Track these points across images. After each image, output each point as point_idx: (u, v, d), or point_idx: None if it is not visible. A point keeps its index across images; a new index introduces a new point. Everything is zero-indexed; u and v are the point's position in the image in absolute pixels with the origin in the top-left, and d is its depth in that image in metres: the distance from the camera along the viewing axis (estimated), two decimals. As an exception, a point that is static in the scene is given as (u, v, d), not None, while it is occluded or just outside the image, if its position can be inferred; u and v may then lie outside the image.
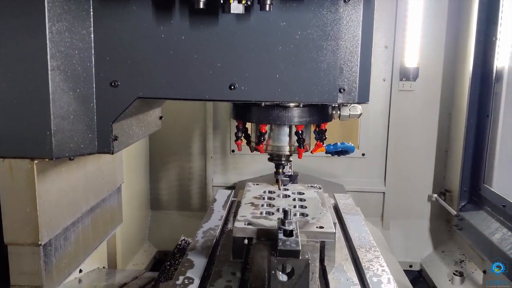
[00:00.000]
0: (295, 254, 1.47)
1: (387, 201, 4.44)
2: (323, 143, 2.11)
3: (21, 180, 1.78)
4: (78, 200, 2.18)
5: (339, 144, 2.25)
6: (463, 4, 3.99)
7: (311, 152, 2.15)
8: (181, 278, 1.77)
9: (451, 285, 3.73)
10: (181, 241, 2.78)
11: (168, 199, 4.63)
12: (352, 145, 2.26)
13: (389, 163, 4.39)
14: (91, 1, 1.52)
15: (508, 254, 2.76)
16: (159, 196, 4.63)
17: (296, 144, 2.03)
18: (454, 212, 3.78)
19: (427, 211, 4.49)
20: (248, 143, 2.19)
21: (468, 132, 3.51)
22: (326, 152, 2.28)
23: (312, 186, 2.36)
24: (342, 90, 1.62)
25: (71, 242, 2.16)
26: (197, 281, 1.75)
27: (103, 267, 3.28)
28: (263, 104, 1.91)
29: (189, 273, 1.80)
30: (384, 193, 4.43)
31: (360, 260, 1.96)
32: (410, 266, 4.32)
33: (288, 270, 1.48)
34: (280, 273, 1.47)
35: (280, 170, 2.21)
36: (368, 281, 1.78)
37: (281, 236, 1.56)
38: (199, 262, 1.90)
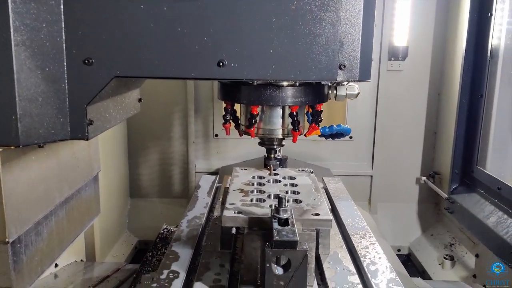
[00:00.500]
0: (292, 245, 1.34)
1: (374, 184, 4.36)
2: (318, 126, 1.95)
3: (-16, 171, 1.58)
4: (51, 191, 1.98)
5: (335, 126, 2.09)
6: (454, -21, 3.85)
7: (305, 135, 1.99)
8: (165, 272, 1.62)
9: (441, 269, 3.67)
10: (163, 230, 2.64)
11: (148, 186, 4.44)
12: (349, 127, 2.11)
13: (377, 146, 4.29)
14: (59, -35, 1.34)
15: (504, 238, 2.69)
16: (139, 183, 4.43)
17: (290, 126, 1.86)
18: (445, 195, 3.70)
19: (415, 194, 4.43)
20: (237, 126, 2.02)
21: (460, 113, 3.41)
22: (321, 136, 2.12)
23: (303, 170, 2.21)
24: (342, 67, 1.47)
25: (44, 237, 1.96)
26: (183, 275, 1.62)
27: (81, 260, 3.10)
28: (254, 83, 1.74)
29: (174, 266, 1.66)
30: (371, 176, 4.35)
31: (356, 247, 1.86)
32: (399, 250, 4.27)
33: (284, 262, 1.36)
34: (276, 265, 1.36)
35: (272, 155, 2.05)
36: (366, 269, 1.68)
37: (276, 225, 1.42)
38: (184, 254, 1.76)
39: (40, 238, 1.95)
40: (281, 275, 1.35)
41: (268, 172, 2.12)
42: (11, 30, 1.29)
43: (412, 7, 4.00)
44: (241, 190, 1.88)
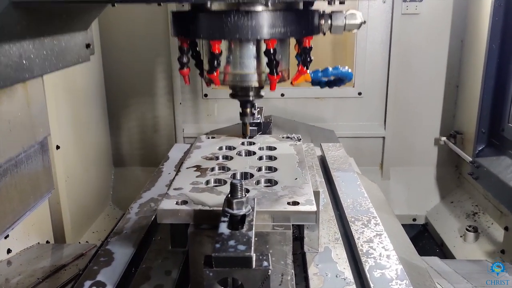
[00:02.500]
0: (243, 262, 0.88)
1: (387, 147, 3.94)
2: (307, 69, 1.46)
3: None
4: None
5: (330, 69, 1.59)
6: None
7: (292, 82, 1.51)
8: (87, 284, 1.15)
9: (463, 242, 3.23)
10: None
11: (133, 154, 4.04)
12: (350, 70, 1.60)
13: (390, 103, 3.84)
14: None
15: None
16: (123, 150, 4.03)
17: (267, 69, 1.37)
18: (468, 158, 3.23)
19: (434, 157, 4.01)
20: (201, 73, 1.53)
21: (489, 59, 2.87)
22: (313, 83, 1.63)
23: (288, 137, 1.72)
24: None
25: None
26: None
27: (47, 242, 2.71)
28: (211, 7, 1.24)
29: (101, 275, 1.18)
30: (384, 137, 3.93)
31: (356, 240, 1.37)
32: (414, 219, 3.91)
33: (234, 285, 0.90)
34: None
35: (248, 109, 1.58)
36: (368, 276, 1.18)
37: (223, 228, 0.96)
38: (121, 255, 1.29)
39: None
40: None
41: (241, 140, 1.64)
42: None
43: None
44: (198, 168, 1.41)
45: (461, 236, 3.30)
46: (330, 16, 1.44)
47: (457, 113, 3.83)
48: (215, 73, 1.38)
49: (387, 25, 3.66)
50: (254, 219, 0.99)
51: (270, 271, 0.87)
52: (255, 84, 1.44)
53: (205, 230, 1.09)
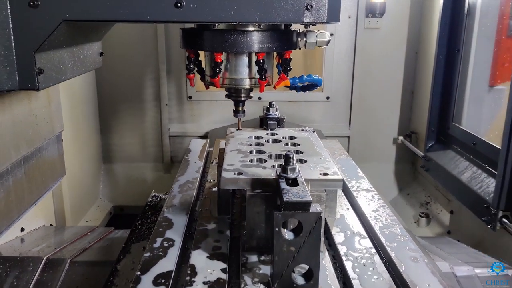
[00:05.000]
0: (304, 206, 1.19)
1: (352, 146, 4.34)
2: (287, 75, 1.86)
3: None
4: (5, 148, 1.86)
5: (305, 76, 2.00)
6: None
7: (275, 86, 1.90)
8: (158, 240, 1.49)
9: (417, 227, 3.70)
10: (152, 197, 2.49)
11: (122, 151, 4.34)
12: (320, 78, 2.01)
13: (354, 106, 4.25)
14: None
15: (478, 193, 2.68)
16: (112, 147, 4.32)
17: (257, 76, 1.77)
18: (420, 153, 3.69)
19: (393, 155, 4.44)
20: (203, 78, 1.91)
21: (437, 69, 3.35)
22: (291, 87, 2.03)
23: (303, 130, 2.09)
24: (309, 7, 1.40)
25: (0, 197, 1.86)
26: (178, 242, 1.50)
27: (50, 225, 3.01)
28: (216, 26, 1.63)
29: (168, 234, 1.54)
30: (349, 137, 4.33)
31: (363, 210, 1.76)
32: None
33: (294, 226, 1.23)
34: (285, 230, 1.22)
35: (240, 107, 1.96)
36: (379, 233, 1.57)
37: (284, 185, 1.27)
38: (178, 221, 1.64)
39: (-6, 198, 1.85)
40: (292, 240, 1.20)
41: (265, 132, 2.02)
42: None
43: (390, -40, 3.88)
44: (239, 151, 1.74)
45: (415, 222, 3.77)
46: (305, 34, 1.85)
47: (412, 116, 4.26)
48: (217, 78, 1.76)
49: (352, 38, 4.07)
50: (303, 180, 1.31)
51: (321, 214, 1.19)
52: (247, 86, 1.83)
53: (258, 193, 1.41)
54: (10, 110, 1.91)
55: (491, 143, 2.74)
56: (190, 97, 4.16)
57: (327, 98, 4.22)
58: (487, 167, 2.78)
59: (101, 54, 2.17)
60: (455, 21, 3.26)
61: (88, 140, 3.89)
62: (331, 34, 4.02)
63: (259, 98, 4.08)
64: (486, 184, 2.68)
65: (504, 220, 2.45)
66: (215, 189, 1.93)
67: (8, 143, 1.90)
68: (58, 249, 2.32)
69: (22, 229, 2.58)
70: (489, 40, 3.05)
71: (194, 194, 1.91)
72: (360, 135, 4.32)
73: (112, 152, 4.32)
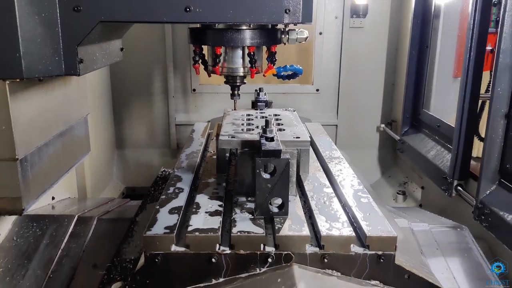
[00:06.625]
0: (276, 153, 1.62)
1: (339, 133, 4.74)
2: (273, 65, 2.33)
3: (-5, 100, 1.89)
4: (48, 123, 2.30)
5: (288, 66, 2.46)
6: None
7: (264, 74, 2.36)
8: (171, 188, 1.95)
9: (395, 203, 4.15)
10: (162, 172, 3.00)
11: (133, 138, 4.77)
12: (301, 67, 2.47)
13: (341, 98, 4.66)
14: None
15: (440, 167, 3.14)
16: (124, 135, 4.76)
17: (249, 65, 2.24)
18: (397, 138, 4.13)
19: (376, 141, 4.82)
20: (206, 68, 2.38)
21: (410, 63, 3.78)
22: (278, 76, 2.49)
23: (286, 110, 2.57)
24: (287, 11, 1.80)
25: (45, 161, 2.30)
26: (187, 190, 1.93)
27: (74, 197, 3.48)
28: (216, 25, 2.10)
29: (178, 184, 1.99)
30: (336, 125, 4.72)
31: (331, 169, 2.20)
32: None
33: (270, 170, 1.64)
34: (263, 172, 1.63)
35: (236, 91, 2.42)
36: (339, 184, 2.01)
37: (263, 141, 1.72)
38: (186, 177, 2.09)
39: (42, 161, 2.29)
40: (269, 179, 1.62)
41: (255, 111, 2.49)
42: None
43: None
44: (233, 123, 2.23)
45: (394, 199, 4.24)
46: (288, 32, 2.31)
47: (393, 105, 4.67)
48: (217, 66, 2.24)
49: (339, 36, 4.48)
50: (278, 138, 1.77)
51: (290, 160, 1.64)
52: (241, 74, 2.29)
53: (246, 152, 1.86)
54: (52, 93, 2.37)
55: (451, 124, 3.16)
56: (194, 90, 4.62)
57: (317, 90, 4.64)
58: (448, 145, 3.20)
59: (121, 49, 2.61)
60: (425, 20, 3.70)
61: (103, 128, 4.34)
62: (320, 33, 4.48)
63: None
64: (446, 160, 3.12)
65: (459, 188, 2.88)
66: (214, 157, 2.39)
67: (51, 119, 2.34)
68: (86, 211, 2.80)
69: (53, 198, 3.04)
70: (452, 37, 3.52)
71: (198, 160, 2.36)
72: (347, 124, 4.71)
73: (124, 139, 4.76)
